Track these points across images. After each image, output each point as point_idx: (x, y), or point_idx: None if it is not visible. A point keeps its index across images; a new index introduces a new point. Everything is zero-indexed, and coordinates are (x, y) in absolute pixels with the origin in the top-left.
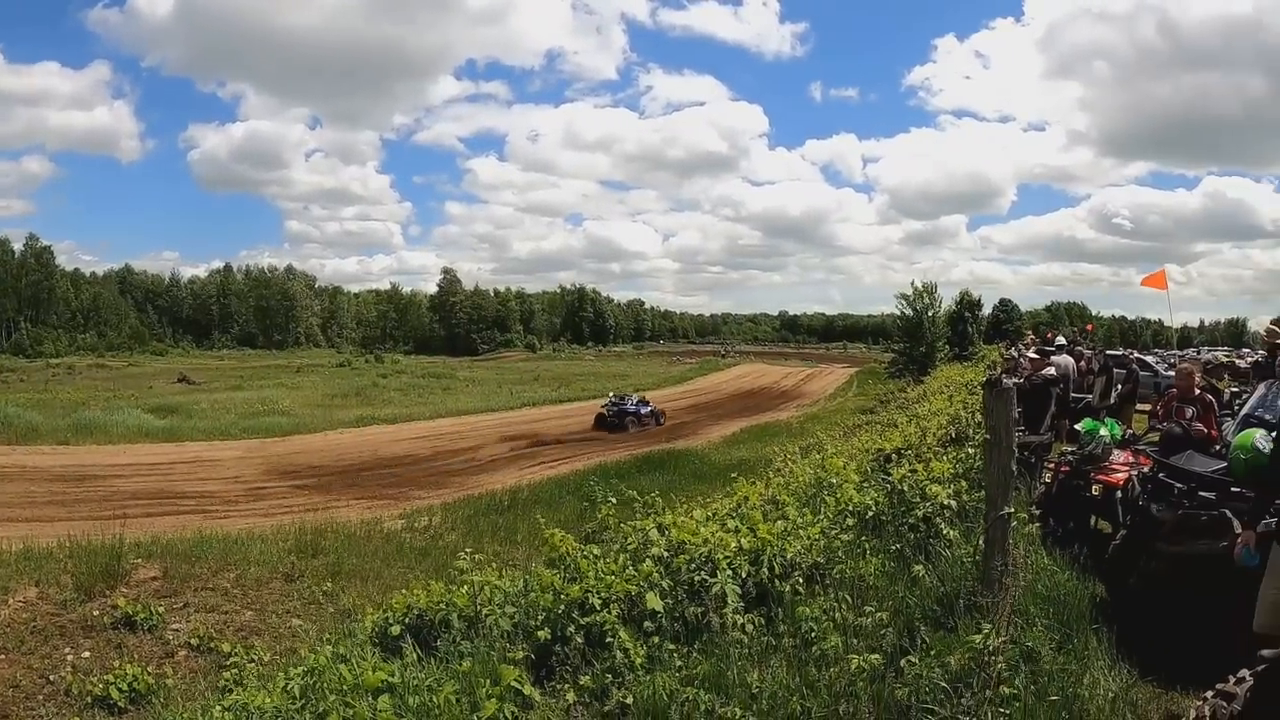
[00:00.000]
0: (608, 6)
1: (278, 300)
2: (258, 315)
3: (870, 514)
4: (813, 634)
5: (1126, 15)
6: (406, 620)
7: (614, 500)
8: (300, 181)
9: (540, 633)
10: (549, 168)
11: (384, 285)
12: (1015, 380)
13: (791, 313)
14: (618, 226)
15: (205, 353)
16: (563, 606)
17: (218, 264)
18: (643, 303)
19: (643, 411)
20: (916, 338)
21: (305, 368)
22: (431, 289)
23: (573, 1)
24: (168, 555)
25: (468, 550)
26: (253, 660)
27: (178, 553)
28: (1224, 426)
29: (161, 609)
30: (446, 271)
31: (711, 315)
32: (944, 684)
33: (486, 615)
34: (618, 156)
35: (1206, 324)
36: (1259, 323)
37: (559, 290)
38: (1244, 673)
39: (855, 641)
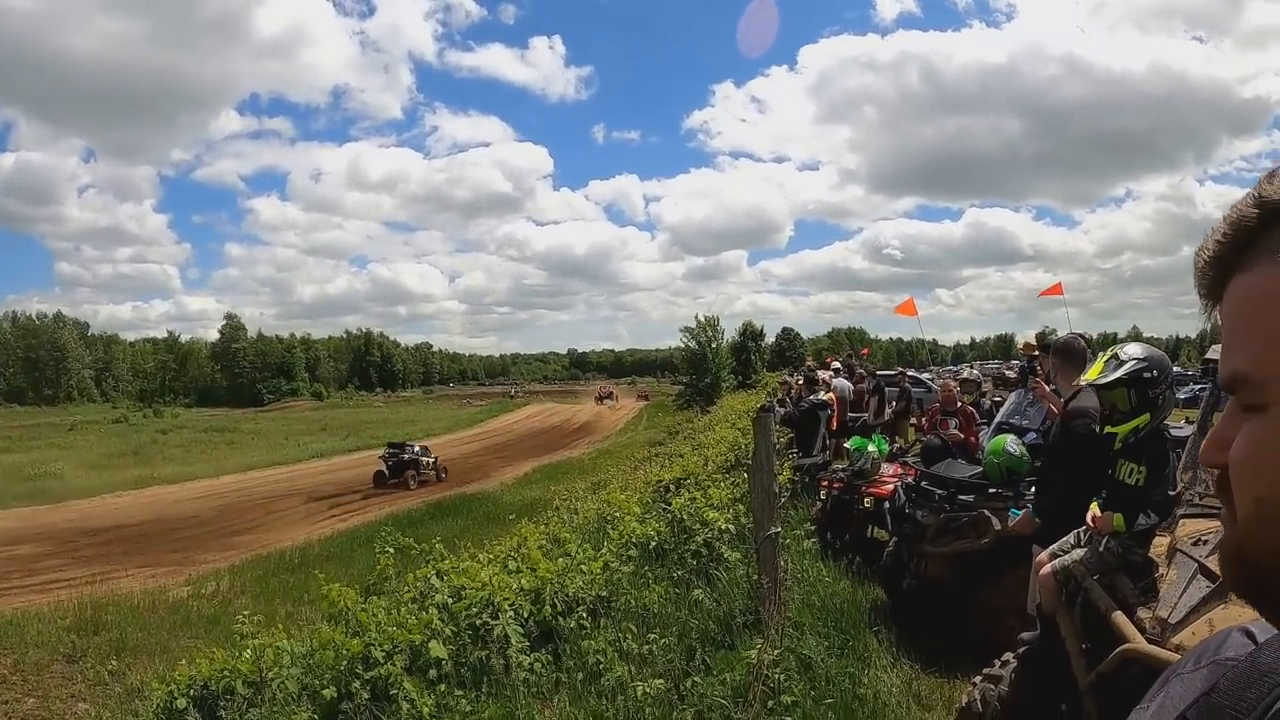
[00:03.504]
0: (396, 45)
1: (47, 351)
2: (26, 368)
3: (652, 544)
4: (599, 666)
5: (892, 64)
6: (191, 692)
7: (391, 551)
8: (72, 219)
9: (325, 691)
10: (333, 208)
11: (161, 333)
12: (785, 410)
13: (580, 350)
14: (403, 268)
15: None
16: (345, 662)
17: None
18: (431, 346)
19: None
20: (701, 369)
21: (79, 425)
22: (212, 336)
23: (361, 39)
24: None
25: (245, 613)
26: None
27: None
28: (983, 434)
29: None
30: (229, 318)
31: (501, 356)
32: (724, 700)
33: (272, 679)
34: (402, 197)
35: (978, 340)
36: (1024, 337)
37: (345, 335)
38: (1007, 656)
39: (642, 669)
